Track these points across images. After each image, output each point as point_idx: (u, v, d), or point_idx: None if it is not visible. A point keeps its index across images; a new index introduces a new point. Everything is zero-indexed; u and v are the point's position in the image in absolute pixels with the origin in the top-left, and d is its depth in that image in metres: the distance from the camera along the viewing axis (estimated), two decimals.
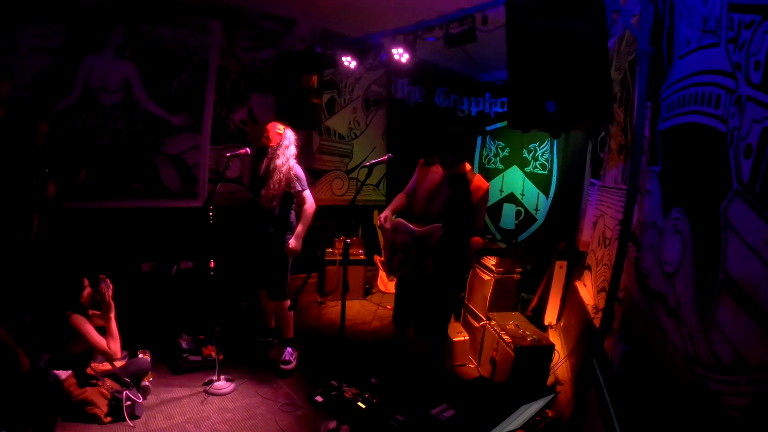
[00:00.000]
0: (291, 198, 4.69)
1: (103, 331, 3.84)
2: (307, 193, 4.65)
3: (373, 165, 3.73)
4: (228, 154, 4.46)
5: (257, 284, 4.99)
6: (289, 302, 4.71)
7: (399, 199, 4.38)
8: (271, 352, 5.04)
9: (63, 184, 4.34)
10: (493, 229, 7.71)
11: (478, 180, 4.03)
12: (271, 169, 4.58)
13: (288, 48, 6.63)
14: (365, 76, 7.76)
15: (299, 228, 4.60)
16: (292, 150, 4.66)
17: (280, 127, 4.72)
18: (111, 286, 3.94)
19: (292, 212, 4.77)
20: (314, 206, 4.68)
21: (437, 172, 4.10)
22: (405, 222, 4.11)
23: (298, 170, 4.64)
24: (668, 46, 2.88)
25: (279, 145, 4.62)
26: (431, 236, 3.89)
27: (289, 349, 4.86)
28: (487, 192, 4.01)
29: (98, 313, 3.93)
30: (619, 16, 3.59)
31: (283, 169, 4.55)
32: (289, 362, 4.75)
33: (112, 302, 3.89)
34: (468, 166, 4.09)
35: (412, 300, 4.31)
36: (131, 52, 5.44)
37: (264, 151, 4.73)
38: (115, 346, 3.84)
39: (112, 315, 3.87)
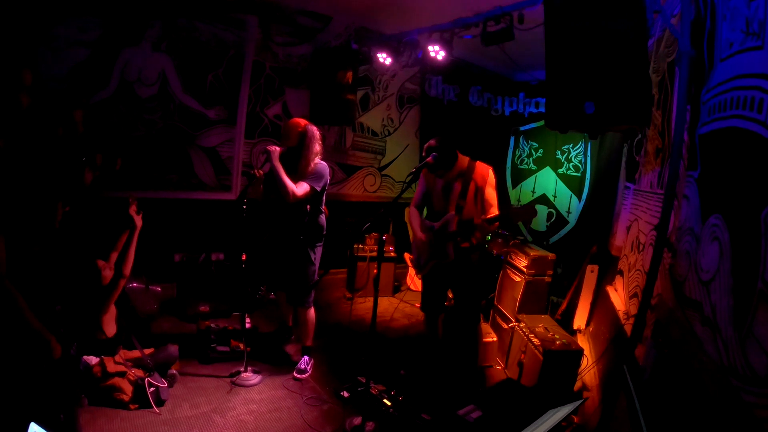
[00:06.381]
0: (318, 200, 4.36)
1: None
2: (305, 186, 4.15)
3: (419, 168, 4.03)
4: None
5: (278, 286, 4.91)
6: (313, 309, 4.57)
7: (415, 213, 4.48)
8: (286, 347, 5.01)
9: (100, 173, 4.41)
10: (524, 230, 7.65)
11: (479, 166, 4.20)
12: (297, 174, 4.17)
13: (323, 44, 6.65)
14: (400, 73, 7.73)
15: (281, 172, 4.05)
16: (317, 148, 4.24)
17: (300, 124, 4.23)
18: (137, 208, 4.04)
19: (322, 215, 4.46)
20: (299, 197, 4.11)
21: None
22: (428, 221, 4.31)
23: (321, 168, 4.27)
24: (709, 48, 2.81)
25: (301, 145, 4.18)
26: (448, 225, 4.11)
27: (306, 358, 4.59)
28: (492, 173, 4.22)
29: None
30: (658, 17, 3.52)
31: (308, 170, 4.22)
32: (304, 371, 4.49)
33: (138, 221, 3.96)
34: (465, 160, 4.24)
35: (439, 289, 4.48)
36: (167, 46, 5.53)
37: (286, 153, 4.19)
38: (127, 265, 3.89)
39: (136, 233, 3.95)
